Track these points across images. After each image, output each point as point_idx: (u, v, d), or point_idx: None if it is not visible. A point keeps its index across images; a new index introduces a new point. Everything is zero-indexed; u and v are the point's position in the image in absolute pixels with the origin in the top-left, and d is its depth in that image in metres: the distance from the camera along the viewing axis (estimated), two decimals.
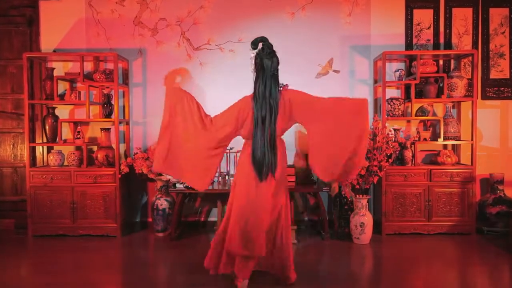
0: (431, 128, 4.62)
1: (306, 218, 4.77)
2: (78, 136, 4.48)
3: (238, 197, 2.94)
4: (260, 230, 2.86)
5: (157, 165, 2.95)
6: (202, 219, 4.82)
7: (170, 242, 4.22)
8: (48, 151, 4.65)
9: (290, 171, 4.26)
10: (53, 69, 4.53)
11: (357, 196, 4.12)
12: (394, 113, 4.45)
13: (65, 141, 4.64)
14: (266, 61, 2.87)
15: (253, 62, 2.92)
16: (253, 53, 2.93)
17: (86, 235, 4.36)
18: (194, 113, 2.95)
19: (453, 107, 4.66)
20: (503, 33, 4.68)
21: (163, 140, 2.94)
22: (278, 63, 2.93)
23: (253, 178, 2.89)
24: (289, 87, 3.00)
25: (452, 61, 4.70)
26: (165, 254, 3.94)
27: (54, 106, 4.54)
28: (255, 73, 2.93)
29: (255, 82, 2.91)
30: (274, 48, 2.96)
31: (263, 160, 2.86)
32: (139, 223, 4.80)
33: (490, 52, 4.68)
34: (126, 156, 4.66)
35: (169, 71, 4.63)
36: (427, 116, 4.55)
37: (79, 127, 4.56)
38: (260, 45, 2.91)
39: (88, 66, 4.67)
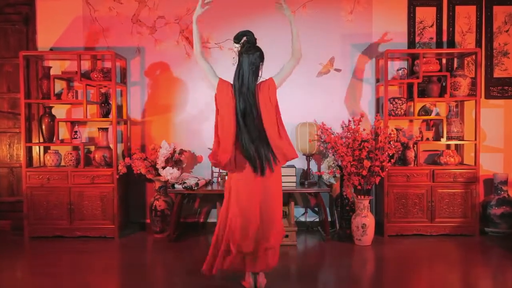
0: (434, 128, 4.56)
1: (307, 219, 4.71)
2: (75, 136, 4.41)
3: (238, 192, 2.91)
4: (254, 226, 2.87)
5: None
6: (201, 220, 4.75)
7: (169, 243, 4.17)
8: (45, 151, 4.58)
9: (291, 171, 4.21)
10: (49, 68, 4.47)
11: (359, 196, 4.06)
12: (396, 112, 4.39)
13: (62, 141, 4.59)
14: (244, 57, 2.84)
15: (237, 55, 2.90)
16: (236, 48, 2.90)
17: (83, 237, 4.31)
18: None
19: (456, 106, 4.59)
20: (507, 31, 4.61)
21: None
22: (260, 58, 2.87)
23: (251, 172, 2.87)
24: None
25: (455, 60, 4.63)
26: (163, 255, 3.88)
27: (51, 105, 4.48)
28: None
29: (234, 76, 2.88)
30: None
31: (258, 155, 2.83)
32: (137, 224, 4.73)
33: (494, 51, 4.62)
34: (124, 156, 4.60)
35: None
36: (430, 115, 4.49)
37: (76, 126, 4.50)
38: (243, 39, 2.87)
39: (86, 65, 4.61)
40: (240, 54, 2.86)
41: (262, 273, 2.97)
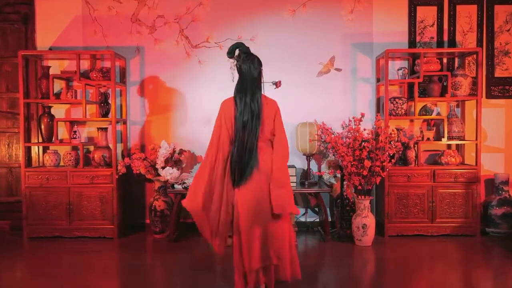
0: (434, 128, 4.54)
1: (307, 220, 4.69)
2: (74, 136, 4.40)
3: (236, 211, 2.82)
4: (254, 244, 2.75)
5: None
6: None
7: (168, 244, 4.15)
8: (44, 151, 4.57)
9: (291, 171, 4.19)
10: (49, 67, 4.45)
11: (359, 197, 4.04)
12: (397, 112, 4.37)
13: (61, 141, 4.57)
14: (244, 66, 2.79)
15: (235, 69, 2.85)
16: (232, 61, 2.86)
17: (83, 237, 4.29)
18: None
19: (457, 106, 4.58)
20: (508, 30, 4.59)
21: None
22: (259, 65, 2.83)
23: (243, 190, 2.78)
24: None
25: (456, 59, 4.62)
26: (163, 256, 3.86)
27: (50, 105, 4.46)
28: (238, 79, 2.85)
29: (236, 88, 2.82)
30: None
31: (240, 164, 2.75)
32: (137, 224, 4.71)
33: (495, 50, 4.60)
34: (123, 156, 4.58)
35: None
36: (431, 115, 4.47)
37: (75, 126, 4.48)
38: (236, 52, 2.83)
39: (85, 65, 4.59)
40: (239, 66, 2.81)
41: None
